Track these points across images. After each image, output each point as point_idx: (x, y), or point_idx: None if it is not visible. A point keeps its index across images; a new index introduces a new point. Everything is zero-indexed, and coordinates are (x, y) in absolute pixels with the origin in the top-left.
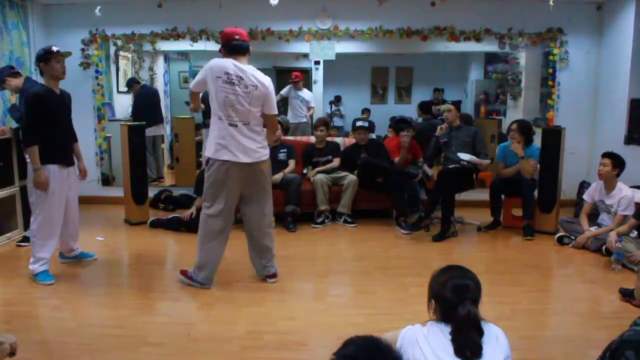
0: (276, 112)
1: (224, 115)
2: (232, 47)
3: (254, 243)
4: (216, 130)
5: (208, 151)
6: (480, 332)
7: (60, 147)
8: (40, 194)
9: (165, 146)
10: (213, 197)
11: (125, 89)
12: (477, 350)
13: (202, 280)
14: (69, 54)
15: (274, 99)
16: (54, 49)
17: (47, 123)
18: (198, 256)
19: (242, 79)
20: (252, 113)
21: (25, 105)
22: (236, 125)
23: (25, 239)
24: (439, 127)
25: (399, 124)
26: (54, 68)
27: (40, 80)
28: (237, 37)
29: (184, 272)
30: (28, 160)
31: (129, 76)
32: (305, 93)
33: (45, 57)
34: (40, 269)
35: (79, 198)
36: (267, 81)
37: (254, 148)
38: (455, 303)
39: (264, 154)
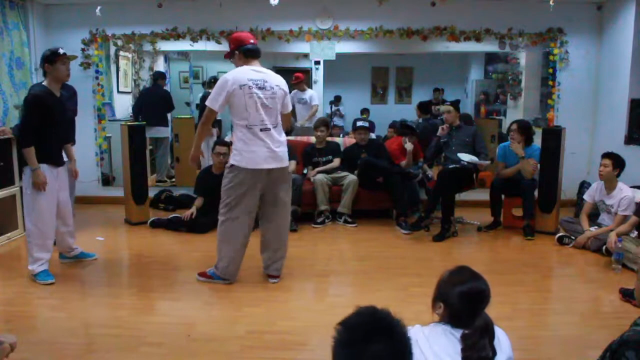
0: (290, 109)
1: (257, 121)
2: (250, 51)
3: (268, 238)
4: (243, 139)
5: (233, 159)
6: (492, 339)
7: (51, 148)
8: (31, 194)
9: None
10: (238, 201)
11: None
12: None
13: (225, 276)
14: (74, 57)
15: (289, 97)
16: (61, 51)
17: (44, 124)
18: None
19: (267, 82)
20: (279, 113)
21: (25, 106)
22: (269, 129)
23: None
24: (440, 128)
25: (402, 129)
26: (59, 70)
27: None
28: (252, 41)
29: (202, 274)
30: None
31: (129, 76)
32: (307, 93)
33: (52, 59)
34: (40, 268)
35: (79, 198)
36: (283, 80)
37: (284, 150)
38: (469, 310)
39: (287, 157)
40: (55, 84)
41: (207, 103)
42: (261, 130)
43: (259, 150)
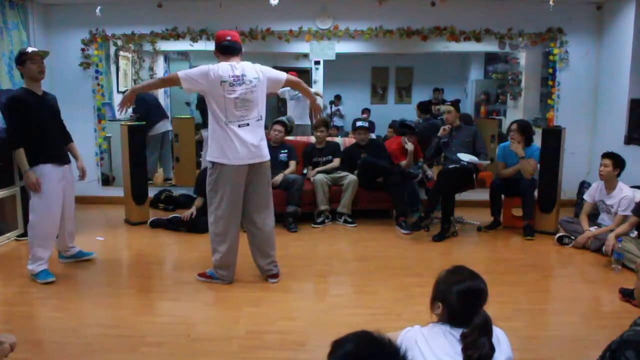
0: (285, 74)
1: (235, 117)
2: (225, 48)
3: (255, 241)
4: (221, 135)
5: (212, 156)
6: (490, 336)
7: (51, 146)
8: (37, 194)
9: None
10: (223, 198)
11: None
12: (488, 358)
13: (223, 277)
14: (46, 53)
15: (273, 71)
16: (29, 49)
17: (33, 124)
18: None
19: (246, 76)
20: (261, 105)
21: (5, 110)
22: (247, 125)
23: (27, 234)
24: (441, 128)
25: (401, 128)
26: (29, 69)
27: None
28: (228, 37)
29: (202, 274)
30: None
31: (129, 76)
32: None
33: (20, 59)
34: (39, 268)
35: (79, 198)
36: (262, 68)
37: (263, 145)
38: (469, 308)
39: (267, 151)
40: (33, 83)
41: (179, 73)
42: (239, 126)
43: (237, 147)
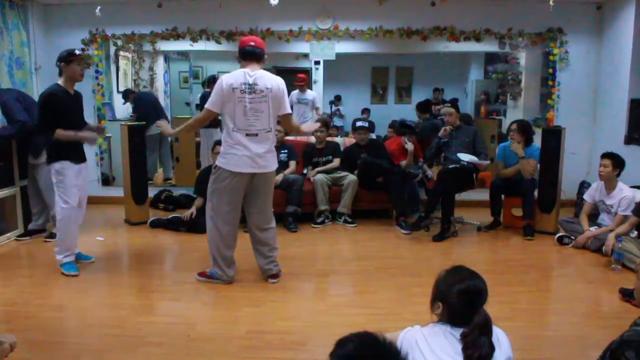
0: (289, 111)
1: (244, 126)
2: (246, 53)
3: (255, 243)
4: (228, 141)
5: (220, 161)
6: (490, 335)
7: (71, 145)
8: (61, 187)
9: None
10: (222, 201)
11: (123, 99)
12: (488, 358)
13: (222, 277)
14: (89, 57)
15: (287, 99)
16: (77, 52)
17: (61, 121)
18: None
19: (257, 85)
20: (272, 117)
21: (40, 104)
22: (255, 135)
23: (27, 234)
24: (442, 129)
25: (401, 128)
26: (74, 71)
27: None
28: (252, 43)
29: (202, 274)
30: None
31: (129, 76)
32: (309, 94)
33: (68, 58)
34: (67, 259)
35: None
36: (280, 81)
37: (270, 157)
38: (469, 308)
39: (275, 161)
40: (69, 83)
41: (207, 106)
42: (247, 135)
43: (241, 155)
